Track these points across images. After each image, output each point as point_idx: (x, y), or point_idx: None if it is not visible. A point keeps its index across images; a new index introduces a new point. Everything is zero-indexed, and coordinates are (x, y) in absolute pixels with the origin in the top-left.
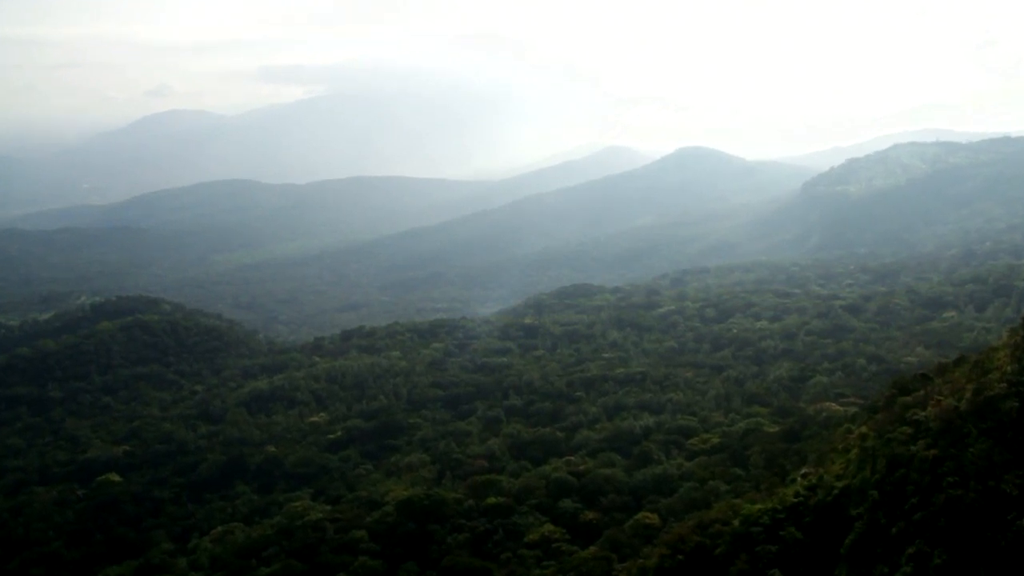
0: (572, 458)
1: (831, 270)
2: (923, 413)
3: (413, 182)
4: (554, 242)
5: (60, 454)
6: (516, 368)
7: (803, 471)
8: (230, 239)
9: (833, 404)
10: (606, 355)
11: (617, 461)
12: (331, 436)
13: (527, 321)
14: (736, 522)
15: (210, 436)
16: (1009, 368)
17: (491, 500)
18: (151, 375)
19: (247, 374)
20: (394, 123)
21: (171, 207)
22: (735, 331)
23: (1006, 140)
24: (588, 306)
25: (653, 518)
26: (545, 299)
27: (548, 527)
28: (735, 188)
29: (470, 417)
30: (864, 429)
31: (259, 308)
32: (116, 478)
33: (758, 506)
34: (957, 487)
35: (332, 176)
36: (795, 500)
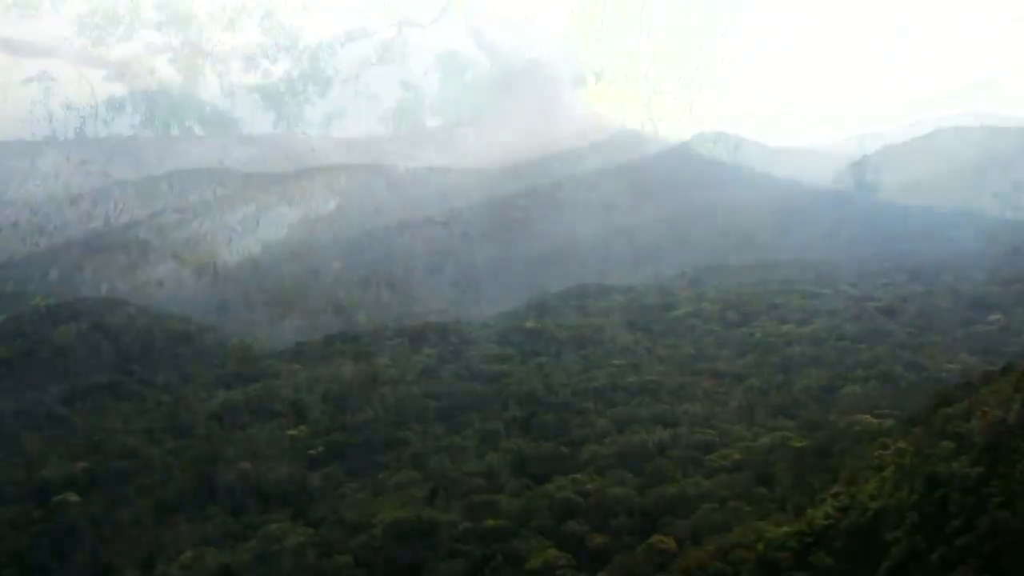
0: (578, 476)
1: (865, 268)
2: (967, 426)
3: (403, 169)
4: (558, 237)
5: (13, 471)
6: (517, 376)
7: (834, 490)
8: None
9: (867, 416)
10: (616, 362)
11: (628, 479)
12: (312, 451)
13: (529, 325)
14: (760, 546)
15: (178, 452)
16: None
17: (489, 522)
18: (113, 384)
19: (219, 383)
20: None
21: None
22: (759, 335)
23: None
24: (596, 308)
25: (668, 542)
26: (549, 300)
27: (552, 552)
28: (759, 177)
29: (466, 430)
30: (901, 444)
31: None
32: (74, 498)
33: (784, 529)
34: (1004, 508)
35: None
36: (825, 522)
